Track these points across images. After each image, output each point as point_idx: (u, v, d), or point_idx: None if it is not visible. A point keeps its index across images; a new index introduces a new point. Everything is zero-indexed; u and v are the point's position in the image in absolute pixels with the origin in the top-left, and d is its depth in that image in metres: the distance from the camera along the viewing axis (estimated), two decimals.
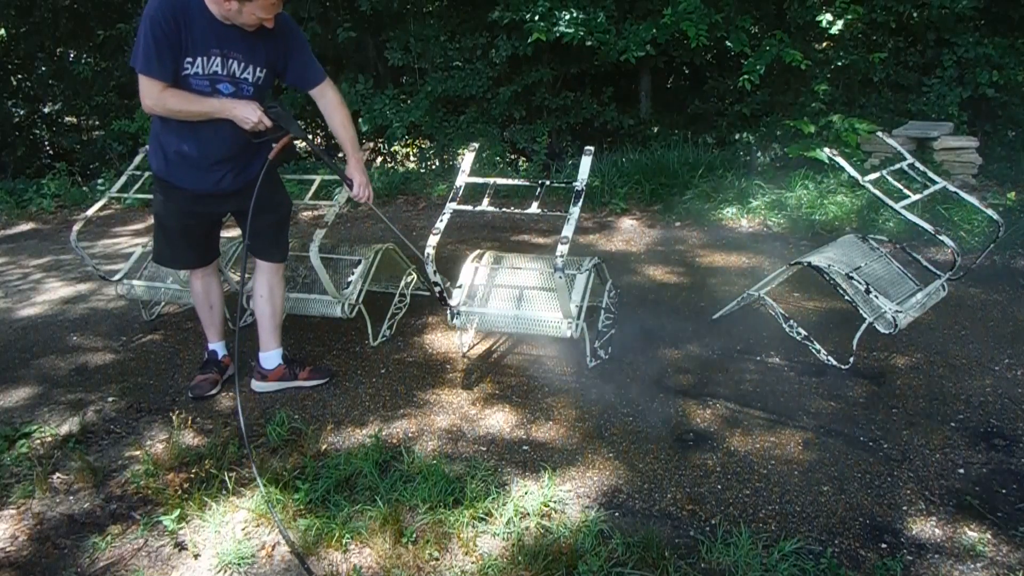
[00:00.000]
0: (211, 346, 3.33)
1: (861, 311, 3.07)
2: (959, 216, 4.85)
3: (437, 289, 3.06)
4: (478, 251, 3.54)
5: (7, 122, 10.30)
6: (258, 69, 2.80)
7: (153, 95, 2.65)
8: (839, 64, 7.17)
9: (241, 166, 2.93)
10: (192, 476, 2.59)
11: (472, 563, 2.14)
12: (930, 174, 3.62)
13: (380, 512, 2.31)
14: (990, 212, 3.51)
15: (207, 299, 3.25)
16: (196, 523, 2.37)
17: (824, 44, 7.47)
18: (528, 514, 2.32)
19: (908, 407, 2.88)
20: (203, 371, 3.29)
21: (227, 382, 3.30)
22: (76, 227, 3.87)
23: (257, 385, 3.21)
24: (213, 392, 3.22)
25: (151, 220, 3.45)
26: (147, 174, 4.17)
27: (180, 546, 2.29)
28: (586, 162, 3.07)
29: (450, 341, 3.67)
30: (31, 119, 10.78)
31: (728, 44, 7.08)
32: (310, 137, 2.75)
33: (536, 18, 6.85)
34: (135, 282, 3.92)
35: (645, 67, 7.75)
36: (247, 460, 2.69)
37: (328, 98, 3.00)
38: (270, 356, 3.20)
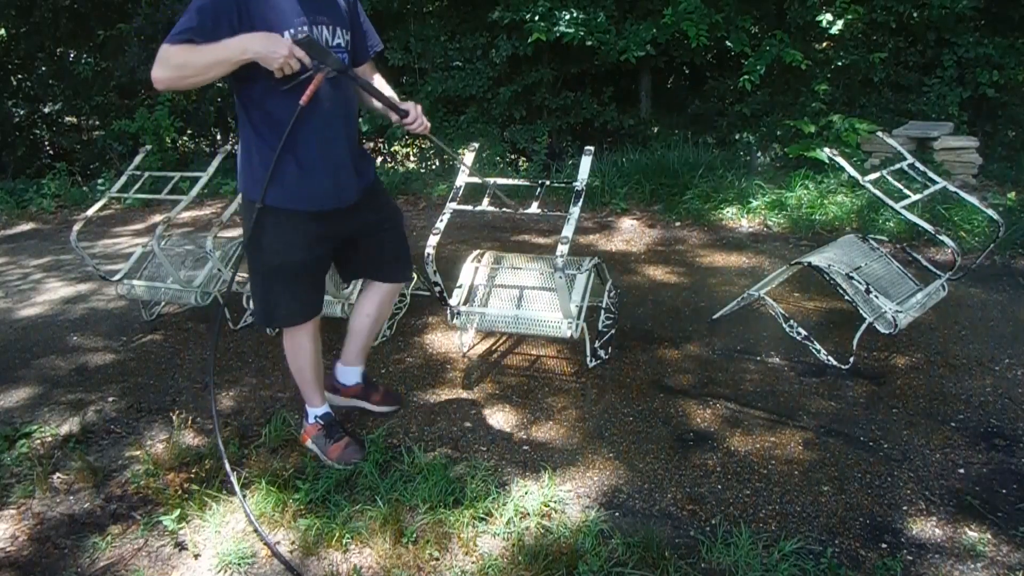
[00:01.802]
0: (323, 409, 2.72)
1: (861, 311, 3.07)
2: (959, 216, 4.84)
3: (437, 289, 3.06)
4: (478, 251, 3.54)
5: (7, 122, 10.31)
6: (345, 32, 2.32)
7: (164, 59, 2.05)
8: (839, 64, 7.17)
9: (363, 165, 2.48)
10: (192, 476, 2.59)
11: (472, 563, 2.13)
12: (930, 174, 3.62)
13: (380, 512, 2.31)
14: (990, 212, 3.51)
15: (318, 354, 2.65)
16: (196, 523, 2.37)
17: (824, 44, 7.47)
18: (528, 514, 2.32)
19: (908, 407, 2.88)
20: (333, 437, 2.66)
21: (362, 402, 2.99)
22: (76, 227, 3.87)
23: (328, 396, 2.82)
24: (360, 455, 2.66)
25: (151, 219, 3.40)
26: (147, 174, 4.18)
27: (180, 546, 2.29)
28: (586, 162, 3.07)
29: (450, 341, 3.67)
30: (31, 119, 10.79)
31: (728, 44, 7.08)
32: (348, 68, 2.28)
33: (536, 18, 6.86)
34: (135, 282, 3.92)
35: (645, 67, 7.75)
36: (248, 460, 2.69)
37: (370, 69, 2.61)
38: (350, 372, 2.87)
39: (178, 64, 2.04)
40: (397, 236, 2.66)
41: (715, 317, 3.72)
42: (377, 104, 2.43)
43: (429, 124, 2.47)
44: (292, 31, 2.12)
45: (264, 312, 2.49)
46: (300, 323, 2.50)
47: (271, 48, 2.03)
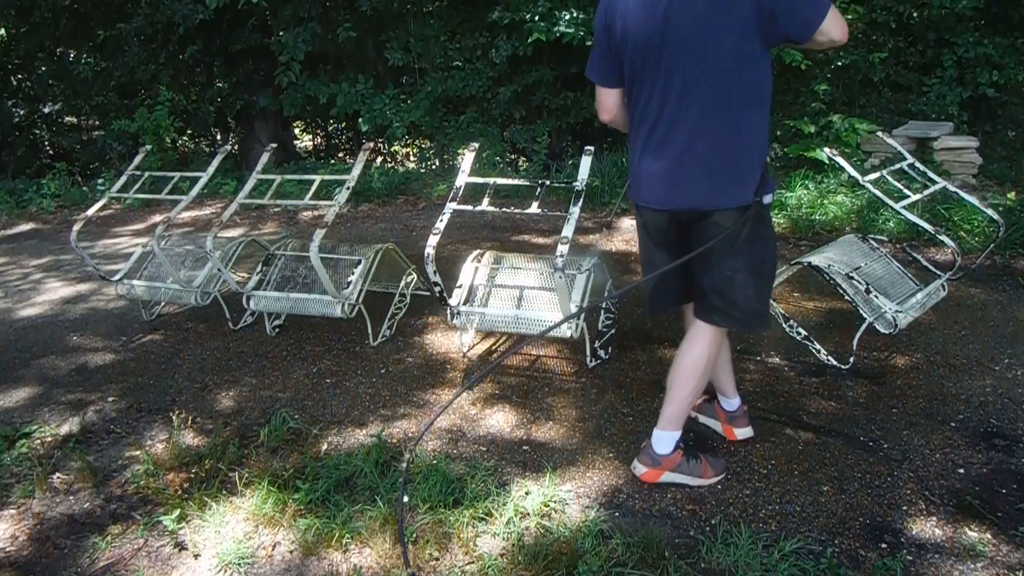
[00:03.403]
0: (678, 433, 2.45)
1: (861, 311, 3.07)
2: (959, 216, 4.84)
3: (437, 289, 3.06)
4: (478, 251, 3.54)
5: (7, 122, 10.31)
6: None
7: (607, 106, 2.29)
8: (839, 64, 7.17)
9: None
10: (192, 476, 2.59)
11: (472, 563, 2.13)
12: (930, 174, 3.62)
13: (380, 512, 2.31)
14: (990, 212, 3.51)
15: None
16: (196, 523, 2.37)
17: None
18: (528, 514, 2.32)
19: (908, 407, 2.88)
20: (695, 457, 2.46)
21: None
22: (76, 227, 3.87)
23: (641, 469, 2.45)
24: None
25: (151, 219, 3.42)
26: (147, 174, 4.18)
27: (180, 546, 2.29)
28: (586, 162, 3.07)
29: (450, 341, 3.67)
30: (31, 119, 10.78)
31: None
32: None
33: (536, 18, 6.86)
34: (135, 282, 3.92)
35: None
36: (247, 460, 2.69)
37: None
38: (666, 438, 2.43)
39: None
40: None
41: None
42: None
43: None
44: None
45: (762, 312, 2.35)
46: None
47: None
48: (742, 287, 2.26)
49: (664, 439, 2.41)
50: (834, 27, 1.98)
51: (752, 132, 2.13)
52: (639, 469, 2.45)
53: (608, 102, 2.34)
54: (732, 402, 2.66)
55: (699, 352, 2.35)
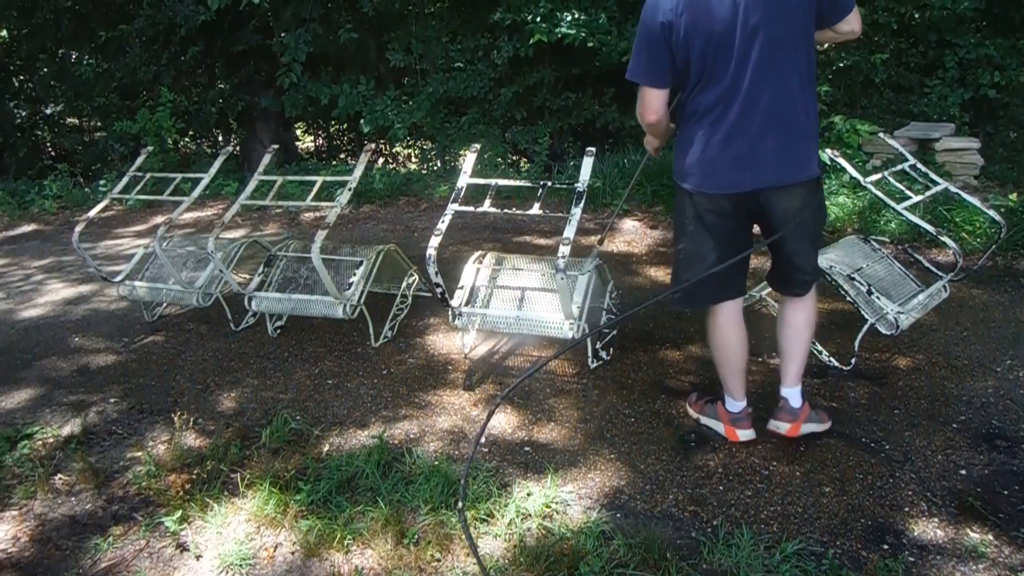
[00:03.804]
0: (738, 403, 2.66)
1: (863, 312, 3.07)
2: (961, 217, 4.84)
3: (439, 290, 3.06)
4: (480, 252, 3.54)
5: (9, 123, 10.33)
6: None
7: (655, 106, 2.35)
8: (840, 65, 7.16)
9: None
10: (194, 477, 2.60)
11: (473, 564, 2.13)
12: (932, 175, 3.62)
13: (382, 513, 2.31)
14: (992, 213, 3.51)
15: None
16: (198, 524, 2.37)
17: (825, 45, 7.47)
18: (530, 515, 2.32)
19: (910, 408, 2.87)
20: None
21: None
22: (78, 228, 3.88)
23: (784, 426, 2.59)
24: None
25: (153, 220, 3.42)
26: (148, 175, 4.18)
27: (182, 547, 2.29)
28: (588, 163, 3.07)
29: (452, 342, 3.67)
30: (33, 120, 10.80)
31: None
32: None
33: (538, 19, 6.86)
34: (137, 283, 3.92)
35: None
36: (249, 461, 2.69)
37: None
38: (796, 393, 2.62)
39: None
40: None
41: None
42: None
43: None
44: None
45: (820, 271, 2.66)
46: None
47: None
48: (814, 254, 2.50)
49: (795, 394, 2.60)
50: (856, 19, 2.22)
51: (812, 107, 2.29)
52: (782, 427, 2.59)
53: (657, 103, 2.36)
54: (738, 404, 2.66)
55: (811, 310, 2.57)
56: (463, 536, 2.21)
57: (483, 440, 2.79)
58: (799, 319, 2.57)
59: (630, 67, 2.33)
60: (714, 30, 2.16)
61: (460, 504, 2.12)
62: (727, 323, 2.57)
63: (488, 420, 2.10)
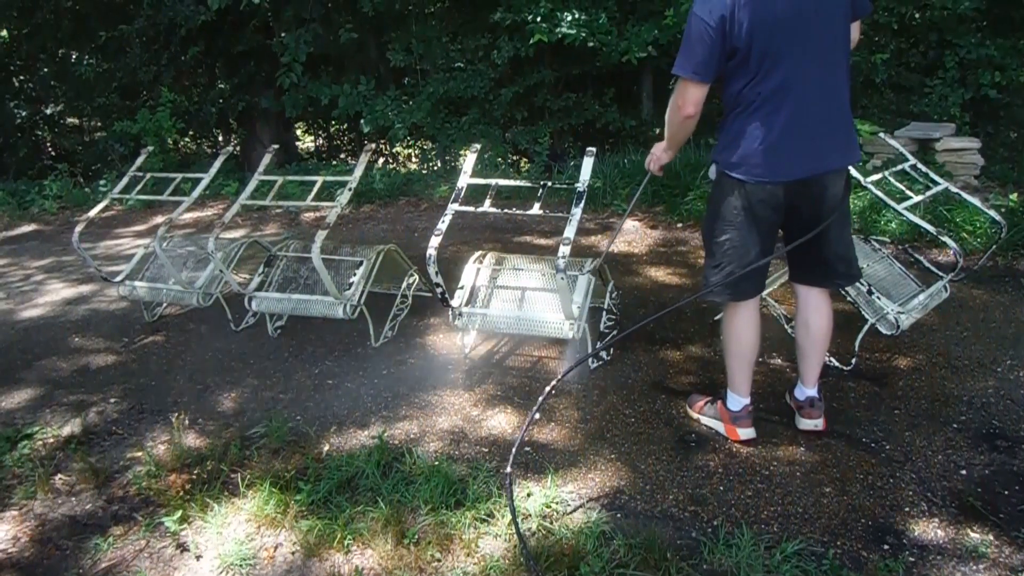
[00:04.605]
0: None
1: (863, 312, 3.07)
2: (961, 217, 4.84)
3: (439, 290, 3.06)
4: (480, 252, 3.54)
5: (9, 123, 10.34)
6: None
7: (696, 100, 2.34)
8: None
9: None
10: (194, 477, 2.59)
11: (474, 564, 2.13)
12: (932, 175, 3.62)
13: (382, 513, 2.31)
14: (992, 213, 3.51)
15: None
16: (198, 524, 2.37)
17: None
18: (530, 515, 2.32)
19: (910, 408, 2.87)
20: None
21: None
22: (78, 228, 3.88)
23: (820, 422, 2.71)
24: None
25: (153, 221, 3.42)
26: (149, 175, 4.18)
27: (182, 547, 2.29)
28: (588, 163, 3.07)
29: (452, 342, 3.67)
30: (33, 120, 10.82)
31: None
32: None
33: (538, 19, 6.86)
34: (137, 283, 3.92)
35: (647, 68, 7.75)
36: (249, 461, 2.69)
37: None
38: (816, 391, 2.74)
39: None
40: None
41: (717, 319, 3.71)
42: None
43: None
44: None
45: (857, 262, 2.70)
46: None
47: None
48: (852, 244, 2.61)
49: (816, 392, 2.72)
50: (859, 24, 2.42)
51: (849, 94, 2.41)
52: (818, 423, 2.71)
53: (699, 97, 2.37)
54: (741, 400, 2.66)
55: (829, 315, 2.65)
56: (506, 504, 2.25)
57: (483, 440, 2.79)
58: (822, 323, 2.64)
59: (678, 62, 2.34)
60: (777, 19, 2.23)
61: (508, 469, 2.23)
62: (752, 316, 2.62)
63: (546, 396, 2.23)
